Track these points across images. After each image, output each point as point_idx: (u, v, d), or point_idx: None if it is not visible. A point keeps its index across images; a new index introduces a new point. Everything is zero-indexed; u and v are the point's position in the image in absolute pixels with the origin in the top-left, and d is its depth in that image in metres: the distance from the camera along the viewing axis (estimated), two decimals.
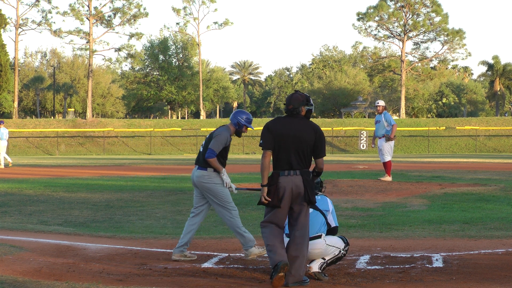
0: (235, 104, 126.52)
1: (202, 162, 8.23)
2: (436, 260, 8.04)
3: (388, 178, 18.34)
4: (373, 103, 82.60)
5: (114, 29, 70.22)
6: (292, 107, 6.86)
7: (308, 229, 6.89)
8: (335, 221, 7.50)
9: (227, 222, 8.30)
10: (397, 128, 60.48)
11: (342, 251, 7.29)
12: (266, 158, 6.84)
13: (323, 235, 7.24)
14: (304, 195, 6.78)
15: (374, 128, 18.87)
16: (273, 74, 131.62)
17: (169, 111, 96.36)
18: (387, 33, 75.32)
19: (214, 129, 8.49)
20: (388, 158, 18.41)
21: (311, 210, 7.22)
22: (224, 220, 8.34)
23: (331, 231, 7.46)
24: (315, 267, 7.13)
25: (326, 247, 7.18)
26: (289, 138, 6.79)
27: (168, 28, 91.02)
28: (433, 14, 74.18)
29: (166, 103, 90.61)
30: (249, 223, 11.11)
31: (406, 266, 7.74)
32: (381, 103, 18.64)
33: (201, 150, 8.32)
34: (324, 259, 7.19)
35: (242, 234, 8.14)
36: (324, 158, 7.05)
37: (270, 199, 6.81)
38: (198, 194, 8.44)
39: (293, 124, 6.84)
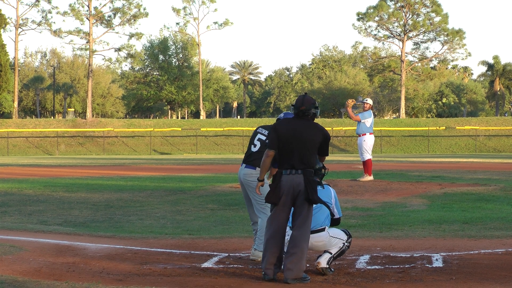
0: (235, 104, 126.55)
1: (252, 161, 8.12)
2: (436, 260, 8.04)
3: (369, 178, 17.55)
4: (374, 103, 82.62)
5: (114, 29, 70.26)
6: (305, 108, 7.03)
7: (307, 229, 6.99)
8: (339, 212, 7.62)
9: (260, 222, 8.24)
10: (397, 128, 60.78)
11: (345, 243, 7.40)
12: (268, 157, 7.06)
13: (327, 227, 7.36)
14: (303, 193, 6.90)
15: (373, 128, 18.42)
16: (273, 74, 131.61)
17: (169, 111, 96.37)
18: (387, 33, 75.33)
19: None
20: (368, 156, 17.50)
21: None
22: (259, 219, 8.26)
23: (335, 221, 7.57)
24: (323, 262, 7.26)
25: (329, 239, 7.32)
26: (294, 139, 6.96)
27: (168, 28, 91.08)
28: (433, 14, 74.18)
29: (166, 103, 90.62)
30: (250, 222, 11.09)
31: (406, 266, 7.74)
32: (370, 101, 17.71)
33: (253, 150, 8.14)
34: (331, 253, 7.30)
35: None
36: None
37: (269, 195, 7.01)
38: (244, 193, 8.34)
39: (299, 125, 7.02)
